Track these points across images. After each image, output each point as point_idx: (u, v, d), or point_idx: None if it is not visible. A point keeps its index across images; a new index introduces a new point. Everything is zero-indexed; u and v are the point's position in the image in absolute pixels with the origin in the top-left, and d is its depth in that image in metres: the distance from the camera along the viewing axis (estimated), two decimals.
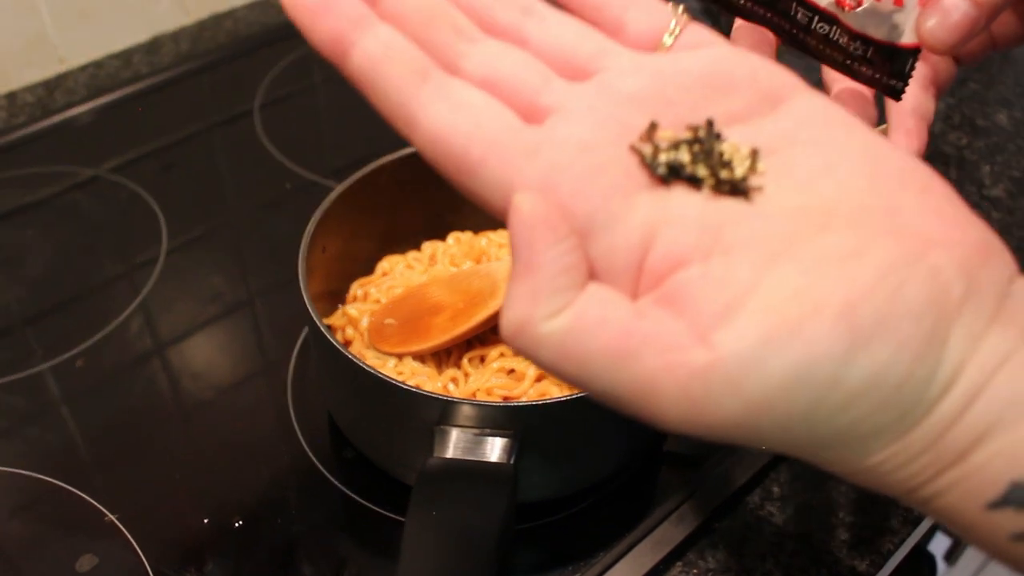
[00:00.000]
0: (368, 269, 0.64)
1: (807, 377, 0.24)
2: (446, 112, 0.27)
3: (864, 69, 0.41)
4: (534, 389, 0.54)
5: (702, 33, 0.32)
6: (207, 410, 0.62)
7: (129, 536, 0.54)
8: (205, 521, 0.55)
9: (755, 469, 0.57)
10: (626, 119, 0.28)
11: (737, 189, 0.27)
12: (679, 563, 0.53)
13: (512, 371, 0.55)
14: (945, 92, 0.50)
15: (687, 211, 0.27)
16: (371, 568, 0.53)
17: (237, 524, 0.55)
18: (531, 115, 0.29)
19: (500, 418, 0.47)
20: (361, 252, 0.63)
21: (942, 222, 0.26)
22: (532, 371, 0.55)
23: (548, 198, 0.26)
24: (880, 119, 0.46)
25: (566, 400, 0.47)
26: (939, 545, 1.16)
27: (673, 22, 0.31)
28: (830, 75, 0.46)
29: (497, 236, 0.65)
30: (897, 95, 0.41)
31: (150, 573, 0.52)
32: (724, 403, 0.24)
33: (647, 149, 0.28)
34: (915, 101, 0.46)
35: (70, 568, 0.53)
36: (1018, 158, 0.83)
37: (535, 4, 0.31)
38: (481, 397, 0.54)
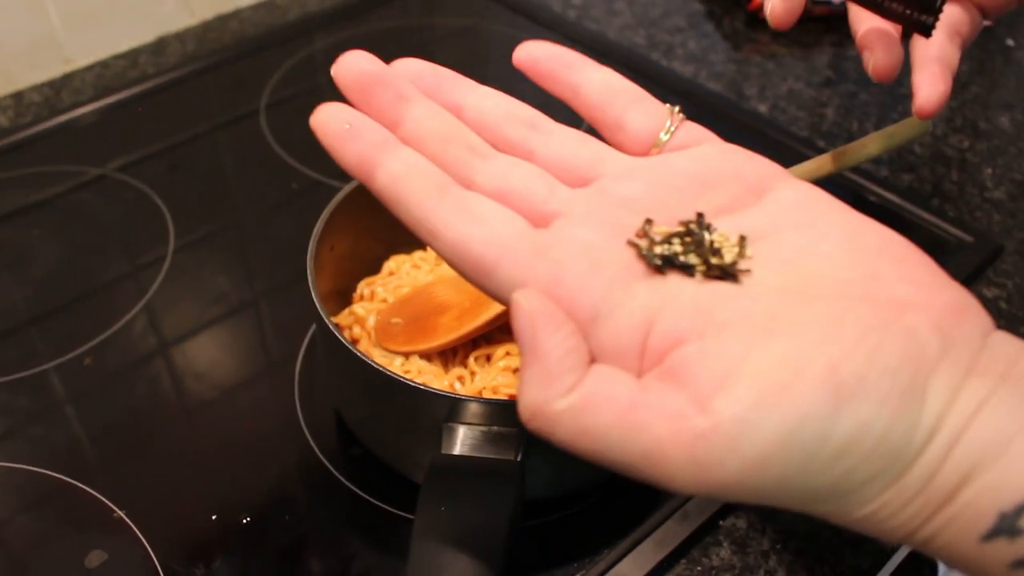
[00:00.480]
0: (375, 268, 0.65)
1: (798, 434, 0.26)
2: (463, 223, 0.31)
3: (895, 5, 0.41)
4: None
5: (695, 130, 0.36)
6: (214, 408, 0.62)
7: (138, 532, 0.54)
8: (213, 518, 0.55)
9: None
10: (623, 219, 0.32)
11: (726, 273, 0.30)
12: (683, 560, 0.54)
13: (517, 370, 0.56)
14: (969, 45, 0.51)
15: (682, 296, 0.29)
16: (379, 564, 0.53)
17: (245, 521, 0.55)
18: (539, 220, 0.32)
19: (507, 415, 0.47)
20: (368, 251, 0.64)
21: (917, 288, 0.28)
22: None
23: (556, 292, 0.30)
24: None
25: None
26: None
27: (668, 122, 0.35)
28: (857, 16, 0.47)
29: None
30: (927, 30, 0.41)
31: (159, 568, 0.53)
32: (726, 463, 0.26)
33: (643, 243, 0.31)
34: (940, 49, 0.48)
35: (79, 563, 0.53)
36: (1019, 161, 0.83)
37: (540, 120, 0.36)
38: (487, 395, 0.55)
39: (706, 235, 0.31)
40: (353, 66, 0.35)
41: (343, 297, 0.63)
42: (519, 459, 0.47)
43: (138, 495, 0.56)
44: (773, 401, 0.26)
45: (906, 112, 0.88)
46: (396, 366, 0.57)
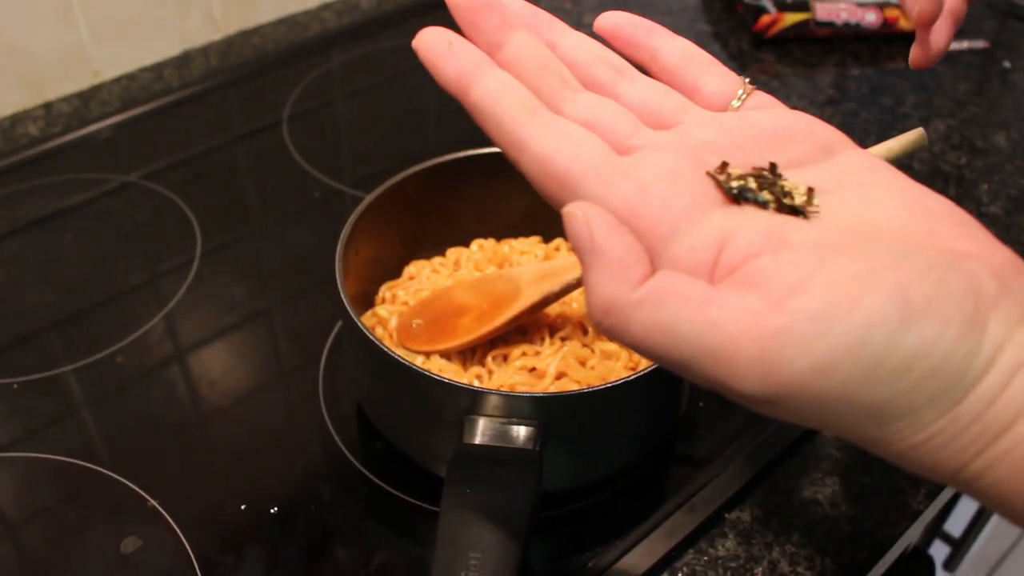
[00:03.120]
0: (396, 273, 0.67)
1: (867, 341, 0.27)
2: (551, 139, 0.33)
3: None
4: (554, 386, 0.58)
5: (766, 98, 0.38)
6: (243, 404, 0.65)
7: (171, 520, 0.57)
8: (243, 508, 0.58)
9: (762, 465, 0.60)
10: (703, 158, 0.33)
11: (797, 211, 0.31)
12: (691, 551, 0.56)
13: (533, 369, 0.59)
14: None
15: (756, 222, 0.31)
16: (402, 553, 0.56)
17: (273, 511, 0.58)
18: (623, 152, 0.34)
19: (526, 408, 0.50)
20: (390, 257, 0.67)
21: (976, 245, 0.30)
22: (552, 368, 0.58)
23: (637, 208, 0.31)
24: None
25: (588, 392, 0.51)
26: (939, 552, 1.19)
27: (741, 90, 0.37)
28: None
29: (519, 244, 0.69)
30: None
31: (191, 555, 0.55)
32: (795, 361, 0.27)
33: (721, 176, 0.33)
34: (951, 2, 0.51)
35: (115, 550, 0.56)
36: (1015, 177, 0.86)
37: (628, 67, 0.38)
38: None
39: (777, 180, 0.33)
40: None
41: (366, 300, 0.65)
42: (538, 449, 0.49)
43: (171, 486, 0.59)
44: (846, 307, 0.27)
45: (906, 130, 0.91)
46: (418, 364, 0.59)
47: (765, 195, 0.32)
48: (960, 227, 0.31)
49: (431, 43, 0.35)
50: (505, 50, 0.36)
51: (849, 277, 0.28)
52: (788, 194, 0.32)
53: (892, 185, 0.33)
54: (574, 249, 0.31)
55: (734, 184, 0.32)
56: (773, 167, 0.33)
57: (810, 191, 0.32)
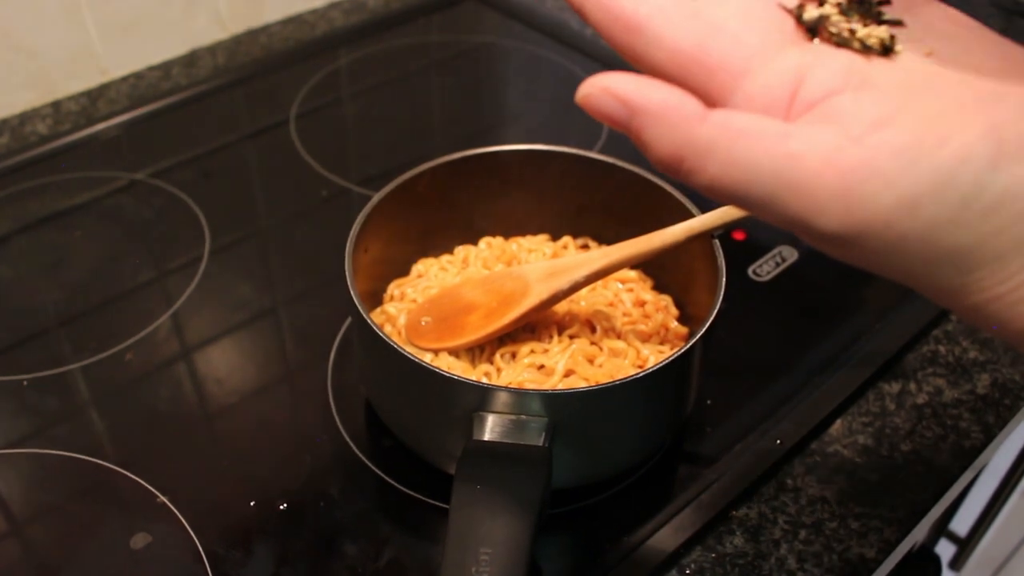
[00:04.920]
0: (404, 271, 0.68)
1: (956, 178, 0.25)
2: None
3: None
4: (563, 383, 0.58)
5: None
6: (252, 401, 0.65)
7: (180, 517, 0.57)
8: (252, 504, 0.58)
9: (769, 463, 0.60)
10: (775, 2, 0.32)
11: (879, 50, 0.30)
12: (698, 548, 0.56)
13: (542, 366, 0.59)
14: None
15: (835, 60, 0.30)
16: (410, 550, 0.56)
17: (282, 507, 0.58)
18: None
19: (536, 404, 0.50)
20: (398, 255, 0.67)
21: None
22: (561, 366, 0.58)
23: (708, 46, 0.30)
24: None
25: (597, 389, 0.51)
26: (945, 550, 1.19)
27: None
28: None
29: (527, 242, 0.69)
30: None
31: (201, 551, 0.56)
32: (879, 197, 0.26)
33: (796, 7, 0.31)
34: None
35: (125, 545, 0.56)
36: None
37: None
38: None
39: (860, 8, 0.32)
40: None
41: (374, 298, 0.66)
42: (547, 445, 0.50)
43: (181, 482, 0.59)
44: (934, 142, 0.26)
45: None
46: (427, 361, 0.60)
47: (844, 32, 0.30)
48: None
49: None
50: None
51: (938, 114, 0.27)
52: (874, 17, 0.31)
53: (981, 36, 0.31)
54: (615, 126, 0.29)
55: (808, 17, 0.31)
56: None
57: (892, 36, 0.31)
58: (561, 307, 0.62)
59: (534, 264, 0.64)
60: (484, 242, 0.69)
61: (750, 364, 0.68)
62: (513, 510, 0.45)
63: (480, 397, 0.51)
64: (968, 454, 0.62)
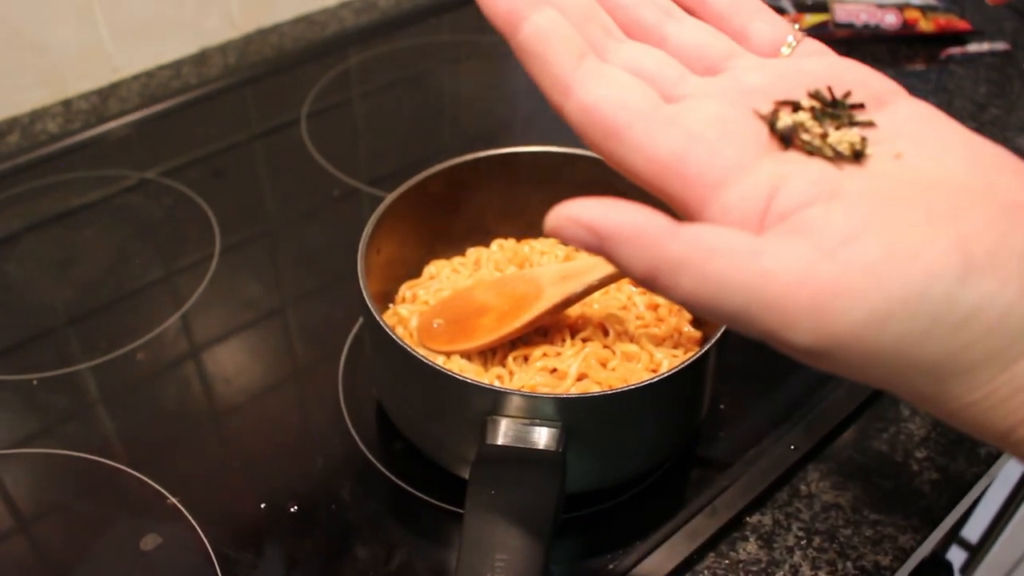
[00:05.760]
0: (416, 273, 0.67)
1: (926, 295, 0.26)
2: (598, 85, 0.32)
3: None
4: (576, 387, 0.57)
5: (817, 46, 0.36)
6: (262, 403, 0.65)
7: (190, 518, 0.57)
8: (262, 506, 0.58)
9: (783, 469, 0.60)
10: (752, 104, 0.32)
11: (852, 152, 0.30)
12: (712, 554, 0.56)
13: (555, 370, 0.58)
14: None
15: (808, 169, 0.30)
16: (421, 553, 0.56)
17: (293, 509, 0.58)
18: (669, 101, 0.33)
19: (549, 409, 0.50)
20: (410, 256, 0.66)
21: None
22: (574, 370, 0.58)
23: (686, 157, 0.30)
24: None
25: (612, 393, 0.50)
26: (956, 557, 1.18)
27: (791, 36, 0.36)
28: None
29: (539, 244, 0.68)
30: None
31: (211, 553, 0.55)
32: (850, 312, 0.26)
33: (770, 115, 0.32)
34: None
35: (135, 546, 0.56)
36: None
37: (675, 8, 0.37)
38: None
39: (839, 112, 0.32)
40: None
41: (386, 299, 0.65)
42: (561, 450, 0.49)
43: (191, 483, 0.59)
44: (904, 257, 0.26)
45: None
46: (439, 364, 0.59)
47: (816, 141, 0.31)
48: (1018, 177, 0.30)
49: None
50: None
51: (907, 227, 0.27)
52: (844, 122, 0.31)
53: (949, 135, 0.32)
54: (586, 250, 0.30)
55: (782, 125, 0.31)
56: (830, 90, 0.33)
57: (863, 139, 0.31)
58: (574, 310, 0.62)
59: (547, 267, 0.64)
60: (496, 244, 0.69)
61: (764, 369, 0.67)
62: (529, 516, 0.45)
63: (493, 401, 0.50)
64: (983, 461, 0.61)
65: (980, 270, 0.26)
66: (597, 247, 0.29)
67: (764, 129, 0.32)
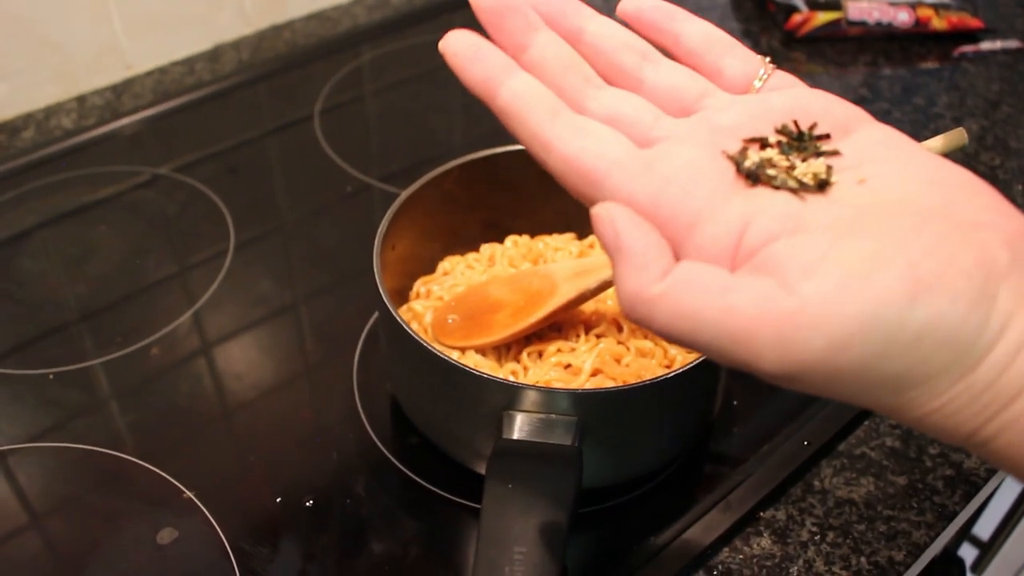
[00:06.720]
0: (430, 269, 0.68)
1: (878, 318, 0.28)
2: (576, 139, 0.34)
3: None
4: (590, 383, 0.57)
5: (786, 78, 0.39)
6: (277, 398, 0.65)
7: (206, 512, 0.57)
8: (278, 500, 0.58)
9: (796, 464, 0.60)
10: (723, 142, 0.35)
11: (816, 182, 0.32)
12: (726, 548, 0.56)
13: (569, 366, 0.59)
14: None
15: (774, 204, 0.32)
16: (436, 547, 0.56)
17: (308, 504, 0.58)
18: (644, 144, 0.35)
19: (565, 404, 0.50)
20: (425, 252, 0.67)
21: (990, 213, 0.31)
22: (588, 365, 0.58)
23: (661, 201, 0.33)
24: None
25: (628, 388, 0.51)
26: (967, 554, 1.18)
27: (762, 70, 0.38)
28: None
29: (553, 240, 0.69)
30: None
31: (227, 546, 0.56)
32: (811, 342, 0.28)
33: (737, 155, 0.34)
34: None
35: (152, 540, 0.56)
36: None
37: (652, 52, 0.39)
38: None
39: (799, 144, 0.34)
40: None
41: (400, 295, 0.66)
42: (577, 444, 0.49)
43: (206, 478, 0.59)
44: (857, 286, 0.28)
45: (938, 130, 0.90)
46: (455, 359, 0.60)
47: (782, 176, 0.33)
48: (976, 197, 0.31)
49: (458, 48, 0.36)
50: (530, 51, 0.37)
51: (861, 257, 0.29)
52: (809, 154, 0.33)
53: (909, 159, 0.33)
54: (603, 248, 0.32)
55: (749, 164, 0.33)
56: (796, 124, 0.34)
57: (828, 168, 0.33)
58: (588, 306, 0.62)
59: (561, 263, 0.64)
60: (510, 240, 0.69)
61: None
62: (546, 509, 0.45)
63: (510, 396, 0.50)
64: None
65: (928, 290, 0.28)
66: (612, 252, 0.32)
67: (733, 169, 0.34)
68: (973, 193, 0.32)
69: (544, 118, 0.35)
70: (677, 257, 0.32)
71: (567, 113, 0.35)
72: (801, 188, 0.32)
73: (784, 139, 0.34)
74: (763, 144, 0.34)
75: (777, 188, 0.32)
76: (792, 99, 0.36)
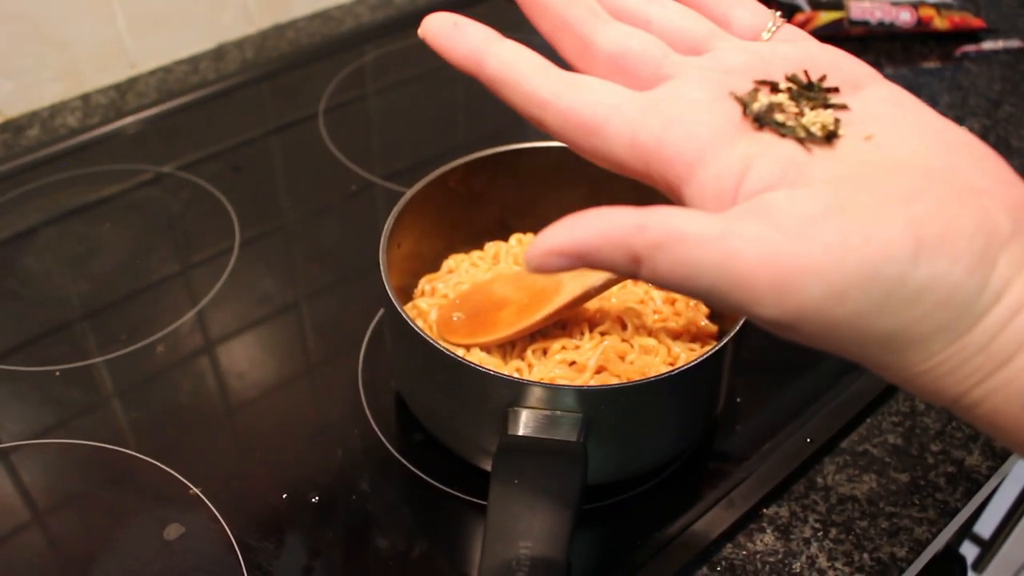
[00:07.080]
0: (435, 267, 0.68)
1: (879, 272, 0.28)
2: (572, 91, 0.34)
3: None
4: (594, 380, 0.58)
5: (796, 32, 0.38)
6: (283, 394, 0.65)
7: (213, 508, 0.58)
8: (284, 496, 0.58)
9: (799, 461, 0.60)
10: (731, 83, 0.34)
11: (824, 134, 0.32)
12: (729, 545, 0.56)
13: (573, 363, 0.59)
14: None
15: (779, 150, 0.32)
16: (441, 544, 0.56)
17: (314, 500, 0.58)
18: (653, 83, 0.34)
19: (570, 400, 0.50)
20: (429, 250, 0.67)
21: (993, 181, 0.31)
22: (592, 363, 0.58)
23: (665, 138, 0.32)
24: None
25: (632, 385, 0.51)
26: (968, 552, 1.19)
27: (771, 22, 0.38)
28: None
29: None
30: None
31: (233, 542, 0.56)
32: (810, 289, 0.28)
33: (746, 97, 0.33)
34: None
35: (159, 536, 0.56)
36: None
37: None
38: None
39: (815, 95, 0.33)
40: None
41: (405, 293, 0.66)
42: (582, 441, 0.50)
43: (212, 474, 0.60)
44: (859, 239, 0.28)
45: None
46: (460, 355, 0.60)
47: (790, 122, 0.32)
48: (980, 162, 0.31)
49: (437, 28, 0.36)
50: None
51: (864, 210, 0.29)
52: (818, 103, 0.33)
53: (917, 118, 0.33)
54: (576, 269, 0.31)
55: (757, 107, 0.33)
56: (806, 73, 0.34)
57: (837, 120, 0.33)
58: (592, 304, 0.62)
59: None
60: (515, 238, 0.69)
61: (780, 362, 0.68)
62: (552, 504, 0.45)
63: (514, 392, 0.51)
64: (999, 455, 0.61)
65: (931, 250, 0.28)
66: (581, 264, 0.30)
67: (740, 110, 0.33)
68: (978, 157, 0.32)
69: (536, 77, 0.34)
70: (678, 197, 0.32)
71: (556, 70, 0.35)
72: (808, 138, 0.32)
73: (794, 86, 0.34)
74: (774, 88, 0.34)
75: (783, 136, 0.32)
76: (802, 51, 0.36)
